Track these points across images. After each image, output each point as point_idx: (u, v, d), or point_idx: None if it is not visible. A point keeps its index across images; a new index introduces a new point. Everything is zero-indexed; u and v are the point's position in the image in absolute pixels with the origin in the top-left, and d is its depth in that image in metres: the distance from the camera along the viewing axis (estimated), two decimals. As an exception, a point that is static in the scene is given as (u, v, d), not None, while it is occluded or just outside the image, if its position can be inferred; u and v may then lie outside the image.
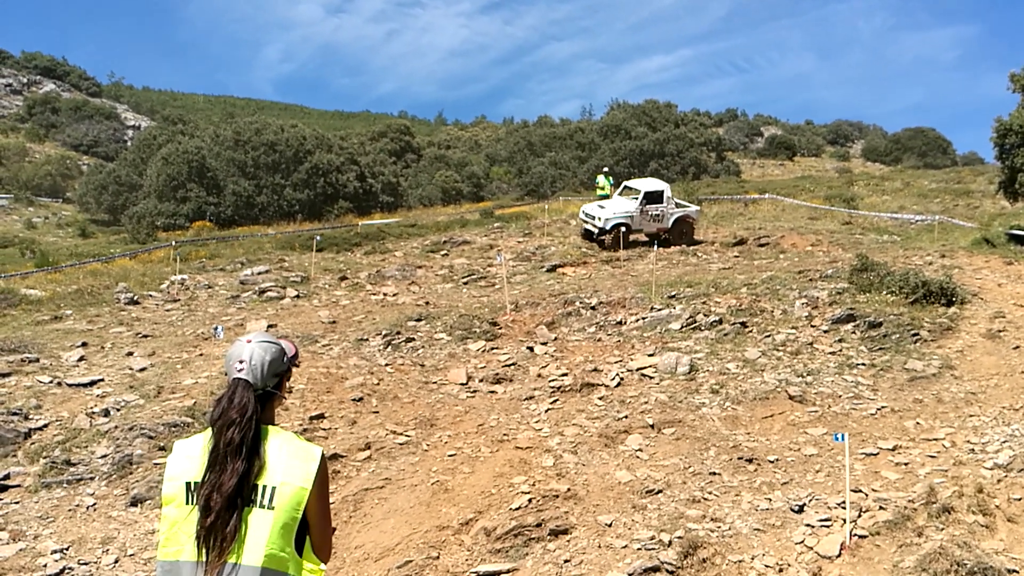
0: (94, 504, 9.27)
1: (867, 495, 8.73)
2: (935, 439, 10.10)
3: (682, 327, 14.42)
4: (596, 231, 24.03)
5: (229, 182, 41.10)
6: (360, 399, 11.73)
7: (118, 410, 11.24)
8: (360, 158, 46.02)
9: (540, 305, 16.26)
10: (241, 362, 2.97)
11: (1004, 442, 9.80)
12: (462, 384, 12.72)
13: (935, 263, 17.65)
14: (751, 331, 14.07)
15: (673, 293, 16.11)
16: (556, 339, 14.53)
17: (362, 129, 69.31)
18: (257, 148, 41.97)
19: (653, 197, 24.23)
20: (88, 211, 49.22)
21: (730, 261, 21.16)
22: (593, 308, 15.76)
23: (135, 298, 17.99)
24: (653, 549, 7.70)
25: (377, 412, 11.44)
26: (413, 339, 14.49)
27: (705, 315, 14.67)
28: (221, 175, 41.37)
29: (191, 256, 24.02)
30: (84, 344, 14.09)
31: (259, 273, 20.38)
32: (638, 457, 9.85)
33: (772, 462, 9.65)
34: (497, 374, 13.06)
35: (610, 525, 8.23)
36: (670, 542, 7.79)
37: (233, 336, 13.92)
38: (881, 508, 8.39)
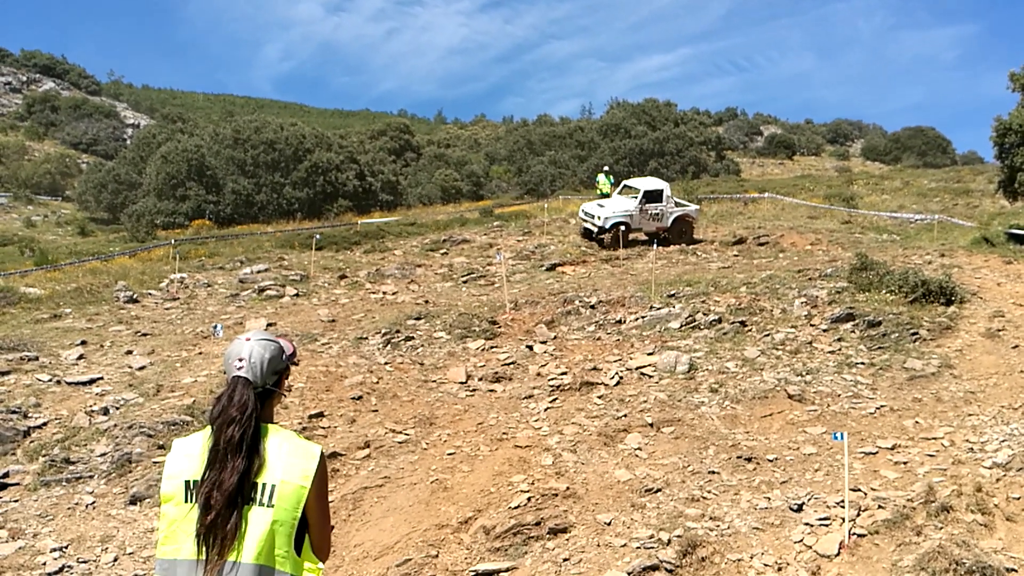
0: (93, 502, 9.27)
1: (866, 494, 8.73)
2: (934, 438, 10.10)
3: (681, 326, 14.42)
4: (595, 230, 24.04)
5: (228, 180, 41.09)
6: (359, 397, 11.73)
7: (117, 408, 11.24)
8: (359, 157, 46.02)
9: (539, 304, 16.26)
10: (241, 360, 2.97)
11: (1003, 441, 9.80)
12: (461, 383, 12.72)
13: (934, 262, 17.65)
14: (750, 330, 14.07)
15: (672, 292, 16.11)
16: (555, 338, 14.53)
17: (362, 128, 69.33)
18: (256, 147, 41.96)
19: (652, 196, 24.24)
20: (87, 209, 49.22)
21: (729, 260, 21.17)
22: (592, 307, 15.76)
23: (134, 296, 17.99)
24: (652, 548, 7.70)
25: (376, 411, 11.44)
26: (412, 338, 14.49)
27: (704, 314, 14.68)
28: (220, 173, 41.36)
29: (190, 254, 24.02)
30: (83, 342, 14.08)
31: (258, 271, 20.38)
32: (637, 456, 9.85)
33: (771, 461, 9.65)
34: (496, 373, 13.06)
35: (609, 524, 8.23)
36: (669, 541, 7.80)
37: (232, 334, 13.92)
38: (880, 507, 8.39)
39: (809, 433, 10.36)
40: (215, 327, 14.28)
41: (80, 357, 13.33)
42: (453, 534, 8.34)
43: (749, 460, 9.65)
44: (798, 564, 7.58)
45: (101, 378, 12.38)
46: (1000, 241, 20.57)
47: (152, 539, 8.27)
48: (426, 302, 17.67)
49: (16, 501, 9.28)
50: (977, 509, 8.21)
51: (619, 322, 15.02)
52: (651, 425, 10.64)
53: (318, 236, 24.31)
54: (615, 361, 13.23)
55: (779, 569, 7.53)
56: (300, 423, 10.77)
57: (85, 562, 8.17)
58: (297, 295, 18.50)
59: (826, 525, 8.14)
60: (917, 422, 10.59)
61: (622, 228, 23.52)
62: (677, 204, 25.13)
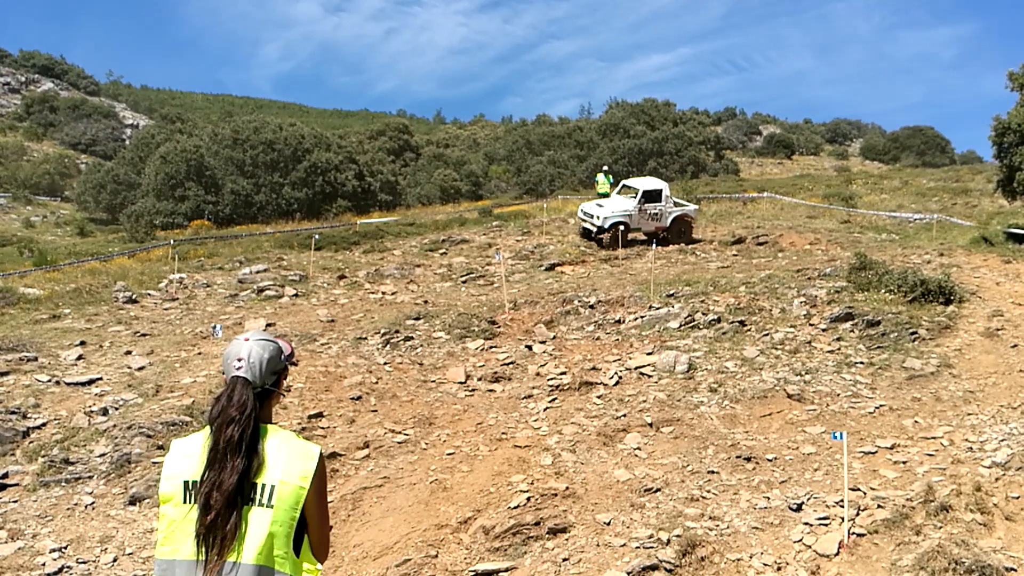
0: (93, 503, 9.26)
1: (865, 493, 8.74)
2: (933, 437, 10.11)
3: (680, 326, 14.42)
4: (594, 230, 24.05)
5: (227, 181, 41.07)
6: (359, 398, 11.73)
7: (117, 409, 11.24)
8: (359, 157, 45.99)
9: (539, 304, 16.26)
10: (240, 360, 2.97)
11: (1002, 440, 9.81)
12: (461, 383, 12.72)
13: (933, 262, 17.66)
14: (749, 330, 14.08)
15: (671, 292, 16.12)
16: (555, 338, 14.53)
17: (361, 128, 69.34)
18: (255, 147, 41.94)
19: (651, 196, 24.25)
20: (86, 210, 49.19)
21: (728, 260, 21.18)
22: (592, 307, 15.76)
23: (133, 297, 17.98)
24: (651, 547, 7.70)
25: (376, 411, 11.44)
26: (412, 338, 14.49)
27: (704, 314, 14.68)
28: (219, 174, 41.34)
29: (189, 255, 24.01)
30: (82, 343, 14.08)
31: (257, 272, 20.37)
32: (636, 456, 9.85)
33: (770, 461, 9.66)
34: (496, 373, 13.06)
35: (608, 523, 8.23)
36: (668, 540, 7.80)
37: (231, 335, 13.91)
38: (879, 506, 8.40)
39: (808, 433, 10.37)
40: (214, 327, 14.27)
41: (79, 357, 13.32)
42: (452, 534, 8.34)
43: (748, 460, 9.65)
44: (797, 564, 7.58)
45: (100, 378, 12.37)
46: (999, 240, 20.59)
47: (151, 539, 8.27)
48: (425, 302, 17.67)
49: (15, 502, 9.28)
50: (976, 508, 8.22)
51: (618, 322, 15.02)
52: (650, 425, 10.64)
53: (317, 236, 24.30)
54: (614, 361, 13.24)
55: (778, 569, 7.53)
56: (299, 423, 10.77)
57: (84, 563, 8.17)
58: (296, 295, 18.49)
59: (825, 525, 8.14)
60: (916, 421, 10.59)
61: (621, 228, 23.53)
62: (676, 204, 25.13)
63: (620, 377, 12.54)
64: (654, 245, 22.02)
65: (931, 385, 11.59)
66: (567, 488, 8.87)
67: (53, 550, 8.33)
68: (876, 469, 9.38)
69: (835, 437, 8.42)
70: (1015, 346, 12.68)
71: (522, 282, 19.71)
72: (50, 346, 13.77)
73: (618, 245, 23.08)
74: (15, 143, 61.13)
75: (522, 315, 15.69)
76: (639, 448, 10.04)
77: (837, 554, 7.66)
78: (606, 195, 28.06)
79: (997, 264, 17.64)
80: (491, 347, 14.20)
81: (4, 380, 12.05)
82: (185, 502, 2.87)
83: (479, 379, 12.88)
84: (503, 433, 10.63)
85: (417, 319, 15.38)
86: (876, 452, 9.80)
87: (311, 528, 2.98)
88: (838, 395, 11.42)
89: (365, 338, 14.57)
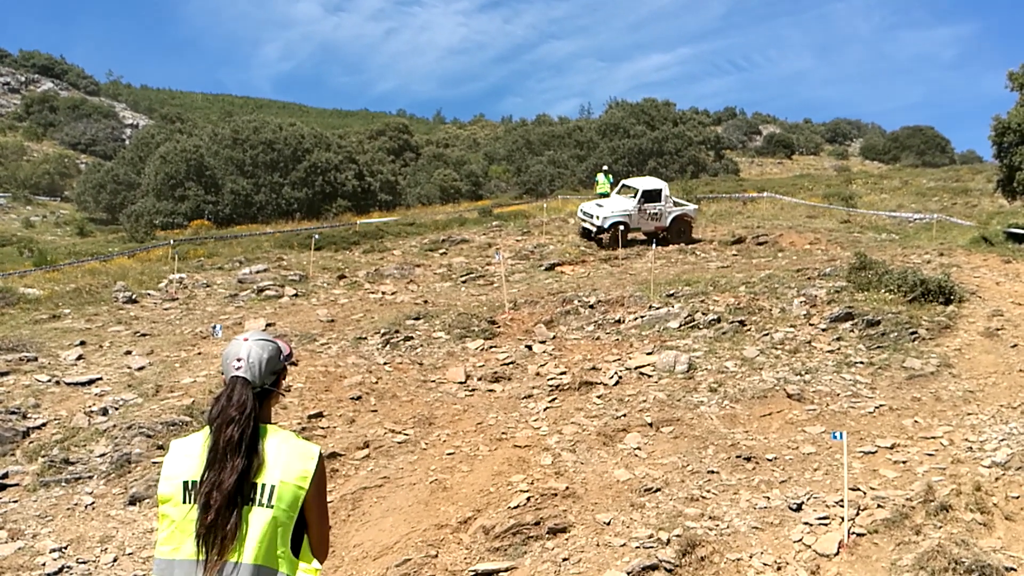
0: (93, 503, 9.27)
1: (865, 493, 8.74)
2: (933, 437, 10.11)
3: (680, 326, 14.42)
4: (594, 229, 24.05)
5: (227, 181, 41.06)
6: (358, 398, 11.73)
7: (116, 409, 11.24)
8: (358, 156, 45.98)
9: (539, 304, 16.26)
10: (239, 360, 2.97)
11: (1002, 440, 9.81)
12: (460, 383, 12.72)
13: (933, 261, 17.67)
14: (749, 329, 14.08)
15: (671, 292, 16.12)
16: (555, 338, 14.53)
17: (360, 127, 69.34)
18: (255, 147, 41.93)
19: (651, 196, 24.25)
20: (86, 210, 49.18)
21: (728, 259, 21.18)
22: (592, 307, 15.76)
23: (133, 297, 17.98)
24: (651, 547, 7.70)
25: (375, 411, 11.44)
26: (412, 338, 14.49)
27: (703, 314, 14.68)
28: (219, 174, 41.33)
29: (189, 255, 24.00)
30: (82, 343, 14.08)
31: (257, 272, 20.37)
32: (636, 455, 9.85)
33: (770, 460, 9.66)
34: (496, 373, 13.06)
35: (608, 523, 8.23)
36: (668, 540, 7.80)
37: (231, 335, 13.91)
38: (879, 506, 8.40)
39: (808, 432, 10.37)
40: (214, 327, 14.27)
41: (79, 357, 13.32)
42: (452, 534, 8.34)
43: (748, 459, 9.65)
44: (797, 563, 7.58)
45: (100, 378, 12.37)
46: (999, 240, 20.59)
47: (151, 539, 8.27)
48: (425, 302, 17.67)
49: (15, 502, 9.28)
50: (976, 508, 8.22)
51: (618, 322, 15.02)
52: (650, 425, 10.65)
53: (317, 236, 24.29)
54: (614, 361, 13.24)
55: (778, 568, 7.53)
56: (299, 423, 10.77)
57: (84, 563, 8.17)
58: (296, 295, 18.49)
59: (825, 524, 8.15)
60: (916, 421, 10.59)
61: (621, 228, 23.53)
62: (676, 204, 25.13)
63: (620, 377, 12.54)
64: (654, 245, 22.02)
65: (931, 385, 11.59)
66: (567, 488, 8.88)
67: (53, 550, 8.33)
68: (876, 469, 9.39)
69: (835, 437, 8.43)
70: (1015, 346, 12.68)
71: (522, 282, 19.71)
72: (50, 346, 13.77)
73: (618, 245, 23.08)
74: (15, 143, 61.12)
75: (522, 315, 15.69)
76: (639, 448, 10.04)
77: (837, 554, 7.66)
78: (606, 195, 28.05)
79: (997, 264, 17.65)
80: (491, 347, 14.20)
81: (4, 380, 12.05)
82: (185, 502, 2.87)
83: (479, 379, 12.88)
84: (503, 433, 10.63)
85: (417, 319, 15.38)
86: (876, 452, 9.81)
87: (311, 528, 2.99)
88: (838, 395, 11.43)
89: (365, 338, 14.57)
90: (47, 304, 17.40)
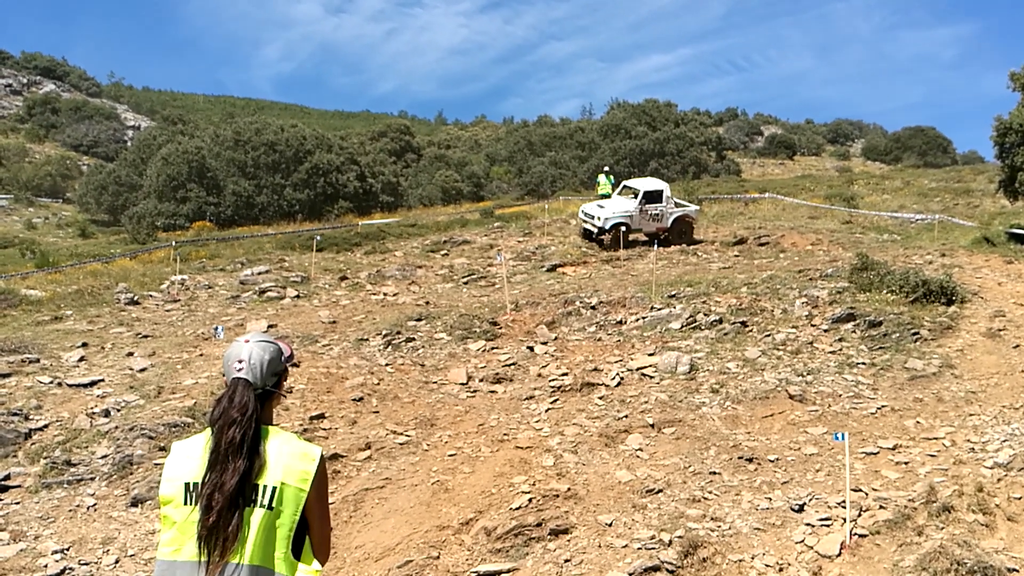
0: (95, 504, 9.27)
1: (867, 494, 8.74)
2: (935, 438, 10.10)
3: (682, 326, 14.42)
4: (595, 231, 24.04)
5: (229, 182, 41.09)
6: (360, 399, 11.73)
7: (118, 410, 11.25)
8: (360, 158, 45.99)
9: (540, 305, 16.26)
10: (240, 362, 2.98)
11: (1004, 441, 9.81)
12: (462, 384, 12.72)
13: (935, 262, 17.65)
14: (751, 330, 14.07)
15: (673, 292, 16.11)
16: (556, 339, 14.53)
17: (362, 129, 69.32)
18: (257, 148, 41.94)
19: (652, 196, 24.23)
20: (88, 211, 49.23)
21: (730, 260, 21.17)
22: (593, 308, 15.76)
23: (135, 298, 17.99)
24: (653, 548, 7.70)
25: (377, 412, 11.45)
26: (413, 339, 14.49)
27: (705, 314, 14.68)
28: (221, 175, 41.36)
29: (191, 256, 24.02)
30: (84, 344, 14.09)
31: (259, 273, 20.39)
32: (638, 457, 9.85)
33: (772, 461, 9.66)
34: (497, 374, 13.06)
35: (610, 525, 8.23)
36: (670, 541, 7.80)
37: (233, 336, 13.92)
38: (881, 507, 8.39)
39: (810, 433, 10.36)
40: (216, 329, 14.28)
41: (81, 359, 13.33)
42: (454, 535, 8.34)
43: (750, 461, 9.65)
44: (799, 564, 7.58)
45: (102, 380, 12.39)
46: (1001, 241, 20.55)
47: (153, 541, 8.27)
48: (427, 303, 17.67)
49: (17, 503, 9.29)
50: (978, 509, 8.21)
51: (620, 323, 15.02)
52: (652, 426, 10.64)
53: (319, 237, 24.31)
54: (616, 362, 13.23)
55: (780, 570, 7.53)
56: (301, 424, 10.78)
57: (86, 564, 8.18)
58: (298, 296, 18.50)
59: (827, 525, 8.14)
60: (918, 422, 10.59)
61: (622, 229, 23.52)
62: (677, 204, 25.11)
63: (622, 378, 12.54)
64: (655, 246, 22.01)
65: (933, 386, 11.58)
66: (569, 489, 8.88)
67: (55, 552, 8.34)
68: (878, 470, 9.38)
69: (837, 438, 8.42)
70: (1017, 346, 12.67)
71: (523, 283, 19.71)
72: (52, 348, 13.79)
73: (619, 246, 23.08)
74: (17, 145, 61.20)
75: (524, 316, 15.69)
76: (641, 449, 10.04)
77: (839, 555, 7.66)
78: (607, 196, 28.03)
79: (999, 264, 17.63)
80: (492, 348, 14.20)
81: (6, 382, 12.07)
82: (186, 504, 2.87)
83: (481, 380, 12.88)
84: (505, 434, 10.63)
85: (419, 320, 15.38)
86: (878, 453, 9.80)
87: (312, 529, 2.99)
88: (840, 396, 11.42)
89: (367, 339, 14.58)
90: (49, 306, 17.42)
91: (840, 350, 13.00)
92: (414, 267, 21.85)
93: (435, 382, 12.82)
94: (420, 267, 21.95)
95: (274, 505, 2.86)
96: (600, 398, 11.86)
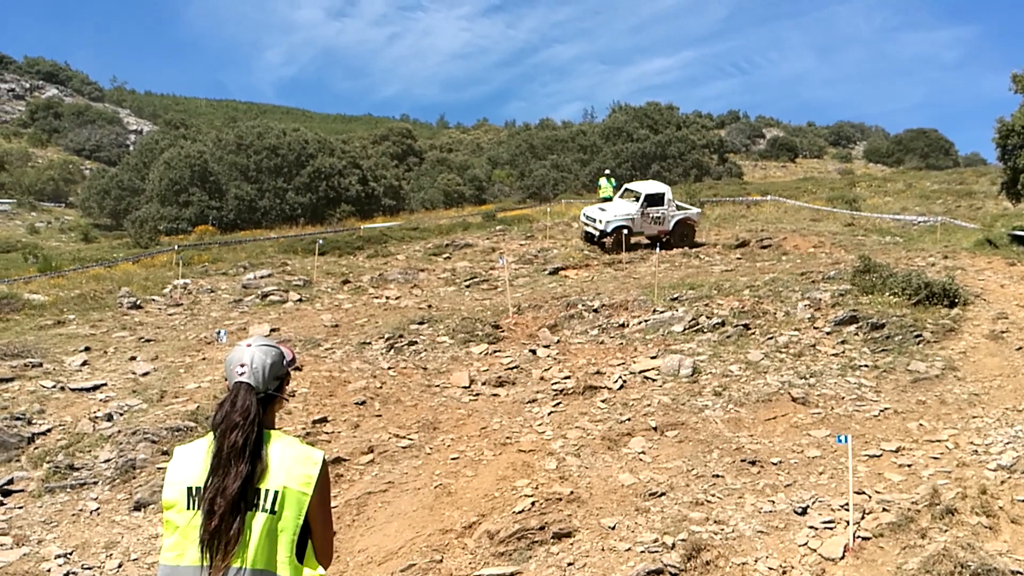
0: (97, 508, 9.28)
1: (870, 497, 8.72)
2: (938, 440, 10.09)
3: (685, 329, 14.41)
4: (597, 234, 24.05)
5: (231, 186, 41.14)
6: (363, 403, 11.74)
7: (121, 414, 11.26)
8: (362, 161, 46.04)
9: (542, 308, 16.26)
10: (242, 366, 2.98)
11: (1007, 443, 9.79)
12: (465, 387, 12.72)
13: (938, 264, 17.64)
14: (754, 333, 14.06)
15: (675, 295, 16.10)
16: (559, 342, 14.53)
17: (364, 132, 69.41)
18: (259, 152, 42.01)
19: (654, 200, 24.23)
20: (91, 216, 49.27)
21: (732, 263, 21.16)
22: (595, 311, 15.76)
23: (138, 302, 18.01)
24: (656, 552, 7.69)
25: (380, 415, 11.45)
26: (416, 342, 14.49)
27: (708, 317, 14.67)
28: (223, 179, 41.41)
29: (194, 260, 24.05)
30: (87, 349, 14.10)
31: (261, 277, 20.41)
32: (641, 460, 9.84)
33: (775, 464, 9.64)
34: (500, 377, 13.06)
35: (613, 528, 8.23)
36: (673, 545, 7.79)
37: (236, 340, 13.92)
38: (884, 510, 8.38)
39: (813, 436, 10.35)
40: (219, 333, 14.29)
41: (84, 363, 13.35)
42: (457, 539, 8.34)
43: (753, 463, 9.64)
44: (803, 567, 7.57)
45: (105, 384, 12.40)
46: (1003, 243, 20.54)
47: (156, 545, 8.28)
48: (429, 307, 17.68)
49: (20, 507, 9.30)
50: (982, 511, 8.20)
51: (622, 326, 15.01)
52: (655, 429, 10.63)
53: (321, 241, 24.32)
54: (618, 365, 13.23)
55: (784, 572, 7.52)
56: (304, 428, 10.78)
57: (89, 568, 8.18)
58: (300, 300, 18.52)
59: (830, 528, 8.13)
60: (921, 424, 10.57)
61: (624, 232, 23.52)
62: (679, 207, 25.11)
63: (624, 381, 12.53)
64: (657, 249, 22.01)
65: (936, 388, 11.57)
66: (572, 492, 8.87)
67: (58, 556, 8.34)
68: (881, 472, 9.37)
69: (840, 440, 8.42)
70: (1020, 348, 12.65)
71: (526, 286, 19.71)
72: (55, 352, 13.80)
73: (621, 249, 23.07)
74: (20, 149, 61.26)
75: (526, 319, 15.69)
76: (644, 452, 10.03)
77: (842, 558, 7.65)
78: (609, 199, 28.04)
79: (1002, 266, 17.61)
80: (495, 351, 14.20)
81: (9, 386, 12.08)
82: (189, 508, 2.87)
83: (483, 383, 12.88)
84: (507, 437, 10.63)
85: (421, 324, 15.39)
86: (881, 455, 9.79)
87: (314, 533, 2.98)
88: (843, 398, 11.41)
89: (369, 343, 14.58)
90: (52, 310, 17.44)
91: (843, 352, 12.99)
92: (416, 270, 21.86)
93: (437, 385, 12.82)
94: (422, 270, 21.96)
95: (276, 509, 2.86)
96: (603, 401, 11.86)
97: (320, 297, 18.99)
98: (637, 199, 24.28)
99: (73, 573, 8.10)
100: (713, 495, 8.90)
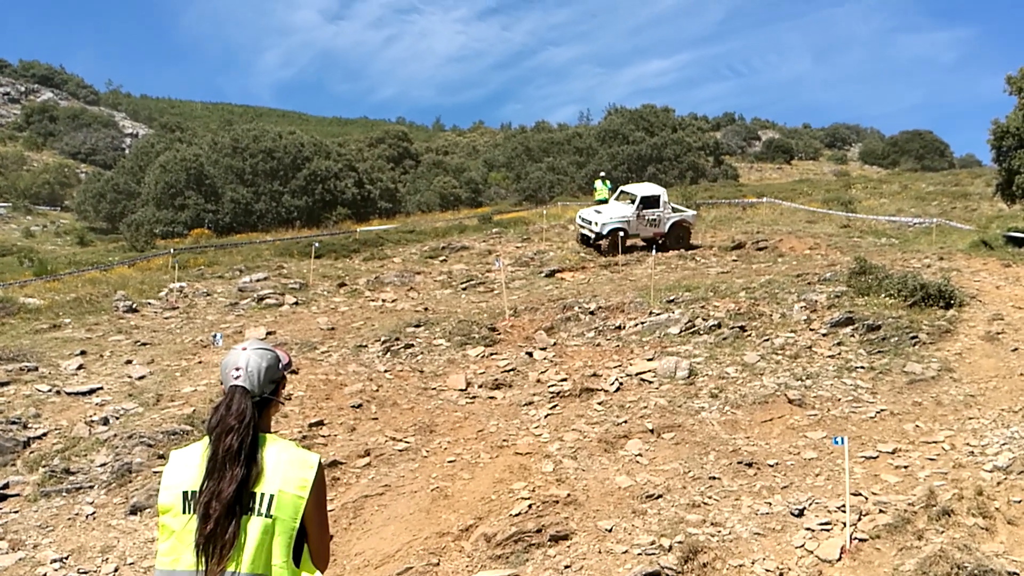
0: (93, 513, 9.25)
1: (867, 498, 8.73)
2: (934, 442, 10.10)
3: (681, 331, 14.42)
4: (593, 236, 24.07)
5: (227, 189, 41.10)
6: (359, 406, 11.72)
7: (117, 418, 11.23)
8: (358, 164, 46.04)
9: (539, 310, 16.26)
10: (238, 369, 2.97)
11: (1003, 444, 9.81)
12: (461, 390, 12.71)
13: (933, 266, 17.67)
14: (750, 335, 14.07)
15: (672, 297, 16.11)
16: (555, 344, 14.53)
17: (360, 135, 69.37)
18: (255, 155, 41.97)
19: (649, 202, 24.26)
20: (86, 219, 49.20)
21: (728, 265, 21.18)
22: (592, 313, 15.76)
23: (134, 306, 17.98)
24: (653, 554, 7.69)
25: (376, 419, 11.44)
26: (412, 345, 14.48)
27: (704, 319, 14.68)
28: (219, 182, 41.37)
29: (189, 264, 24.00)
30: (83, 352, 14.07)
31: (257, 280, 20.38)
32: (638, 462, 9.84)
33: (772, 466, 9.65)
34: (496, 380, 13.06)
35: (610, 530, 8.22)
36: (670, 547, 7.79)
37: (232, 343, 13.91)
38: (881, 511, 8.39)
39: (809, 438, 10.36)
40: (215, 336, 14.27)
41: (80, 367, 13.32)
42: (454, 542, 8.33)
43: (750, 465, 9.64)
44: (800, 569, 7.57)
45: (101, 388, 12.37)
46: (999, 244, 20.59)
47: (152, 549, 8.25)
48: (425, 309, 17.67)
49: (16, 512, 9.27)
50: (978, 513, 8.21)
51: (619, 328, 15.02)
52: (651, 431, 10.64)
53: (317, 244, 24.29)
54: (615, 367, 13.23)
55: (780, 574, 7.52)
56: (300, 431, 10.76)
57: (85, 572, 8.16)
58: (296, 303, 18.50)
59: (827, 530, 8.13)
60: (917, 426, 10.59)
61: (620, 234, 23.54)
62: (674, 210, 25.14)
63: (621, 383, 12.53)
64: (654, 251, 22.03)
65: (932, 389, 11.59)
66: (568, 495, 8.87)
67: (54, 560, 8.32)
68: (877, 474, 9.38)
69: (836, 442, 8.43)
70: (1016, 349, 12.68)
71: (522, 289, 19.71)
72: (50, 356, 13.77)
73: (617, 251, 23.09)
74: (15, 153, 61.17)
75: (522, 322, 15.69)
76: (640, 454, 10.03)
77: (839, 559, 7.65)
78: (604, 201, 28.06)
79: (997, 268, 17.65)
80: (492, 354, 14.20)
81: (5, 390, 12.05)
82: (184, 512, 2.86)
83: (480, 386, 12.87)
84: (504, 440, 10.62)
85: (417, 326, 15.38)
86: (877, 457, 9.80)
87: (311, 537, 2.98)
88: (839, 400, 11.42)
89: (365, 346, 14.57)
90: (47, 314, 17.40)
91: (839, 354, 13.00)
92: (413, 273, 21.85)
93: (434, 388, 12.81)
94: (419, 273, 21.96)
95: (272, 513, 2.85)
96: (599, 403, 11.86)
97: (316, 300, 18.97)
98: (633, 201, 24.31)
99: (69, 578, 8.08)
100: (710, 497, 8.90)
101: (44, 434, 10.83)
